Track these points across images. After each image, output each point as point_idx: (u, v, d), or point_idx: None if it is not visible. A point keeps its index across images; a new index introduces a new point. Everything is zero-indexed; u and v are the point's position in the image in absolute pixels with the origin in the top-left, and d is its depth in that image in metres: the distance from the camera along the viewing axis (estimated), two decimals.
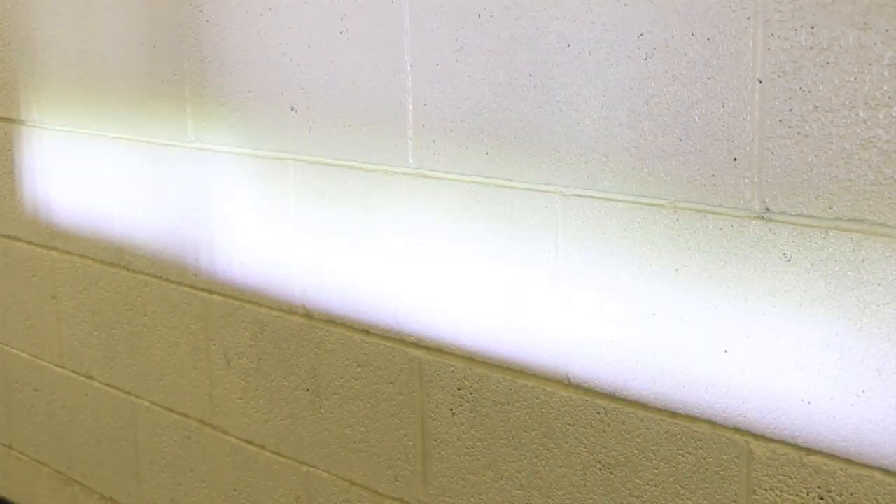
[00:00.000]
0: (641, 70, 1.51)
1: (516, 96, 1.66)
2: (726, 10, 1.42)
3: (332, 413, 2.08)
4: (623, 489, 1.66)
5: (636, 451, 1.63)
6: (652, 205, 1.54)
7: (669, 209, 1.52)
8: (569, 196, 1.63)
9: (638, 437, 1.63)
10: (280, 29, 1.99)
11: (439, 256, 1.82)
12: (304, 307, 2.08)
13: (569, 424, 1.70)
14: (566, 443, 1.72)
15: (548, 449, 1.74)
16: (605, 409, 1.66)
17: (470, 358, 1.82)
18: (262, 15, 2.01)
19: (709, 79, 1.45)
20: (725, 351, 1.50)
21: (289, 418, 2.16)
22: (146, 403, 2.51)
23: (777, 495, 1.49)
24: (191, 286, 2.31)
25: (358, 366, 2.01)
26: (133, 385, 2.53)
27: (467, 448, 1.86)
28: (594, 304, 1.63)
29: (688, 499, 1.58)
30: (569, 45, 1.59)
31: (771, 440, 1.48)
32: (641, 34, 1.51)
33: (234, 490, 2.33)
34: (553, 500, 1.75)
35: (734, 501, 1.53)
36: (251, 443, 2.27)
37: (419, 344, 1.89)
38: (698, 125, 1.47)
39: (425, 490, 1.95)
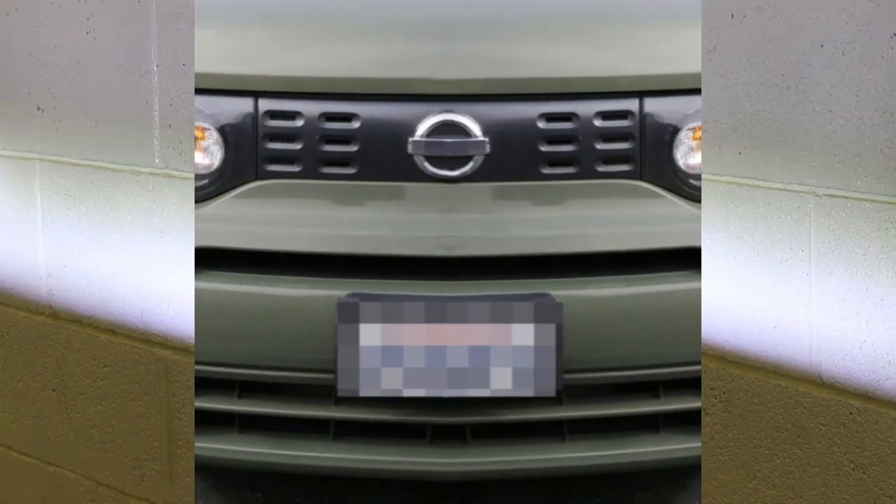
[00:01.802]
0: (895, 70, 1.46)
1: (769, 96, 1.60)
2: None
3: (78, 413, 2.07)
4: (876, 489, 1.57)
5: (889, 452, 1.55)
6: None
7: None
8: (822, 196, 1.59)
9: (891, 437, 1.54)
10: (26, 29, 1.98)
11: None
12: (50, 307, 2.06)
13: (822, 424, 1.63)
14: (819, 443, 1.63)
15: (801, 449, 1.65)
16: (857, 408, 1.57)
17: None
18: (7, 15, 2.00)
19: None
20: None
21: (35, 418, 2.14)
22: None
23: None
24: None
25: (104, 365, 2.00)
26: None
27: None
28: (846, 304, 1.56)
29: None
30: (822, 46, 1.56)
31: None
32: (895, 34, 1.47)
33: None
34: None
35: None
36: None
37: (165, 344, 1.91)
38: None
39: (171, 490, 1.96)
